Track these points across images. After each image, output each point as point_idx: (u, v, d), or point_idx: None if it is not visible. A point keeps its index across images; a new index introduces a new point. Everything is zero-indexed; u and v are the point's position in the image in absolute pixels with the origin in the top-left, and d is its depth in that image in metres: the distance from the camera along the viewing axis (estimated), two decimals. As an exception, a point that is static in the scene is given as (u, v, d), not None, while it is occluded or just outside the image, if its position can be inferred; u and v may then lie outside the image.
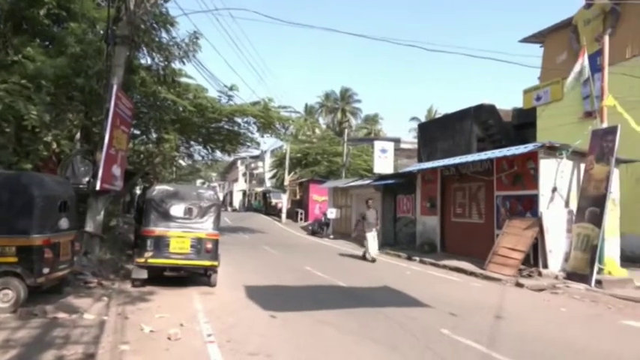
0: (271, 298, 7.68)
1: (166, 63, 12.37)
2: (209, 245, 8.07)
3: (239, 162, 60.10)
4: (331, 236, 21.77)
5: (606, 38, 11.58)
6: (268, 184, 48.83)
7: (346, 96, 54.89)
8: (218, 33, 34.31)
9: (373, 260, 13.09)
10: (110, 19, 9.50)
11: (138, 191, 20.37)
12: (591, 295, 8.49)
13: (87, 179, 10.06)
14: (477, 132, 20.32)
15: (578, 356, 4.89)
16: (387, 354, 4.83)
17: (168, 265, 8.08)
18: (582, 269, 9.63)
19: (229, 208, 56.62)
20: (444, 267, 11.89)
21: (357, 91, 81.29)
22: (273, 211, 36.92)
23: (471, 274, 10.83)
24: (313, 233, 23.18)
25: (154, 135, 15.83)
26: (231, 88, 15.96)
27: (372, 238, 13.39)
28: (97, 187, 8.74)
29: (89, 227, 9.26)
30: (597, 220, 9.68)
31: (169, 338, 5.08)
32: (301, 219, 31.83)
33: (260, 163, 55.33)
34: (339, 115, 53.46)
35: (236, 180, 64.03)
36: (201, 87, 15.76)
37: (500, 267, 10.68)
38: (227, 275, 9.22)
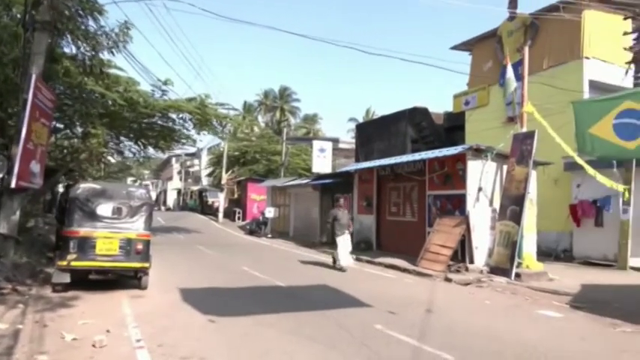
0: (206, 300, 7.48)
1: (94, 53, 11.58)
2: (139, 246, 7.69)
3: (174, 159, 57.97)
4: (269, 235, 21.64)
5: (526, 49, 12.51)
6: (205, 182, 47.56)
7: (285, 95, 54.86)
8: (152, 25, 32.86)
9: (343, 269, 11.10)
10: (29, 3, 8.73)
11: (61, 189, 18.96)
12: (512, 288, 9.14)
13: (0, 176, 9.18)
14: (412, 134, 21.14)
15: (500, 345, 5.23)
16: (325, 352, 4.87)
17: (93, 268, 7.59)
18: (504, 264, 10.34)
19: (163, 208, 54.45)
20: (380, 264, 12.25)
21: (297, 90, 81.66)
22: (209, 211, 36.00)
23: (405, 270, 11.24)
24: (251, 232, 22.92)
25: (80, 129, 14.83)
26: (165, 83, 15.33)
27: (344, 243, 11.51)
28: (12, 185, 8.00)
29: (3, 229, 8.45)
30: (517, 218, 10.44)
31: (94, 346, 4.77)
32: (239, 218, 31.33)
33: (196, 161, 53.75)
34: (278, 113, 53.31)
35: (170, 178, 61.67)
36: (133, 80, 15.00)
37: (431, 263, 11.19)
38: (159, 277, 8.84)
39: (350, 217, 12.14)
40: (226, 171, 34.08)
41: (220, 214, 32.31)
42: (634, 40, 13.26)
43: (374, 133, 23.07)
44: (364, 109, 54.59)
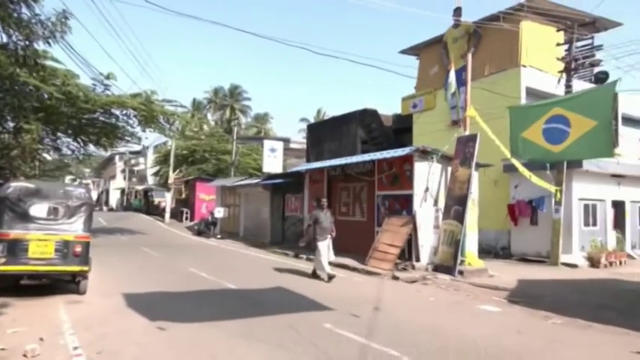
0: (151, 304, 7.20)
1: (27, 43, 10.83)
2: (78, 248, 7.27)
3: (117, 158, 55.40)
4: (218, 236, 21.22)
5: (469, 56, 13.10)
6: (151, 181, 45.83)
7: (236, 93, 53.99)
8: (94, 16, 31.08)
9: (330, 278, 9.68)
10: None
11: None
12: (455, 285, 9.53)
13: None
14: (362, 135, 21.50)
15: (443, 340, 5.43)
16: (273, 353, 4.84)
17: (26, 273, 7.10)
18: (448, 261, 10.76)
19: (105, 208, 51.88)
20: (330, 264, 12.30)
21: (247, 89, 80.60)
22: (155, 211, 34.69)
23: (354, 269, 11.41)
24: (199, 233, 22.36)
25: (11, 124, 13.81)
26: (107, 77, 14.62)
27: (327, 249, 10.00)
28: None
29: None
30: (460, 218, 10.90)
31: (25, 355, 4.46)
32: (187, 218, 30.47)
33: (141, 160, 51.66)
34: (228, 112, 52.32)
35: (113, 177, 58.84)
36: (72, 73, 14.19)
37: (379, 262, 11.43)
38: (100, 281, 8.42)
39: (332, 219, 10.54)
40: (174, 170, 33.03)
41: (167, 215, 31.25)
42: (566, 51, 14.26)
43: (325, 134, 23.25)
44: (315, 109, 54.94)
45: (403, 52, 22.05)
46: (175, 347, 5.01)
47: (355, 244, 13.47)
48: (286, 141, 36.14)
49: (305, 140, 29.78)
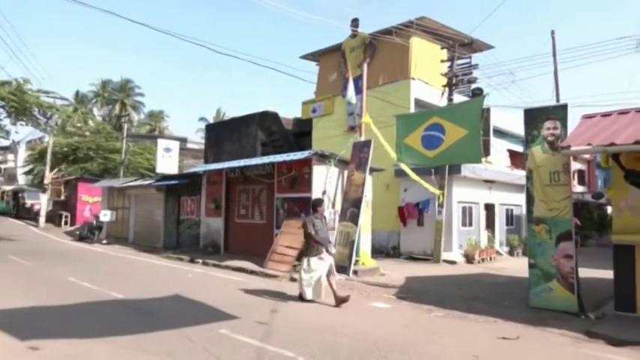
0: (20, 320, 6.33)
1: None
2: None
3: (-21, 153, 48.18)
4: (104, 241, 19.51)
5: (365, 66, 13.80)
6: (22, 181, 40.61)
7: (127, 87, 50.19)
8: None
9: (305, 299, 7.79)
10: None
11: None
12: (349, 284, 9.92)
13: None
14: (262, 137, 21.40)
15: (337, 338, 5.62)
16: (162, 364, 4.57)
17: None
18: (343, 262, 11.16)
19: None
20: (227, 267, 12.07)
21: (140, 84, 75.44)
22: (27, 214, 30.72)
23: (252, 272, 11.29)
24: (82, 239, 20.33)
25: None
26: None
27: (320, 267, 7.76)
28: None
29: None
30: (355, 219, 11.39)
31: None
32: (66, 223, 27.54)
33: (10, 157, 45.57)
34: (118, 107, 48.43)
35: (-26, 176, 51.00)
36: None
37: (278, 264, 11.47)
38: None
39: (328, 227, 8.68)
40: (51, 169, 29.61)
41: (42, 218, 27.86)
42: (448, 67, 15.74)
43: (224, 135, 22.72)
44: (215, 109, 53.28)
45: (304, 57, 22.50)
46: (48, 367, 4.47)
47: (254, 247, 13.36)
48: (183, 141, 34.64)
49: (203, 140, 28.79)
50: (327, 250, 7.91)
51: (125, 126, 33.04)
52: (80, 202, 27.87)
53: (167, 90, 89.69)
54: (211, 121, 45.43)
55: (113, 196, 22.17)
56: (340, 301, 7.51)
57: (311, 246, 7.92)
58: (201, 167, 17.36)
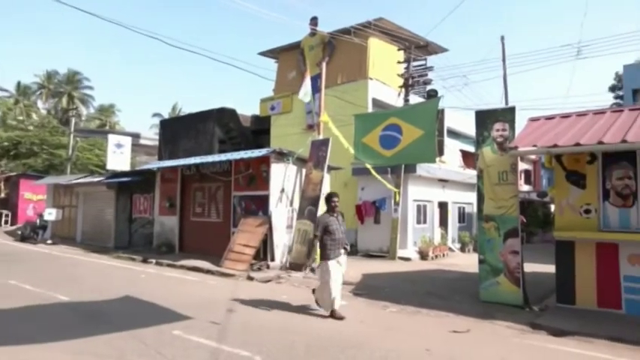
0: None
1: None
2: None
3: None
4: (49, 241, 18.49)
5: (324, 65, 13.86)
6: (-44, 178, 37.70)
7: (75, 80, 47.77)
8: None
9: (339, 318, 6.60)
10: None
11: None
12: (307, 282, 9.94)
13: None
14: (219, 134, 21.06)
15: (293, 336, 5.62)
16: (112, 368, 4.40)
17: None
18: (301, 260, 11.18)
19: None
20: (182, 267, 11.78)
21: (90, 76, 71.89)
22: (-40, 214, 28.66)
23: (208, 272, 11.08)
24: (24, 239, 19.17)
25: None
26: None
27: (339, 271, 6.91)
28: None
29: None
30: (314, 218, 11.41)
31: None
32: (7, 222, 25.93)
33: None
34: (64, 100, 45.98)
35: None
36: None
37: (234, 263, 11.32)
38: None
39: (345, 227, 7.36)
40: (-10, 164, 27.78)
41: (-21, 218, 26.13)
42: (405, 68, 16.09)
43: (180, 131, 22.15)
44: (170, 104, 51.73)
45: (262, 54, 22.30)
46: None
47: (210, 246, 13.12)
48: (136, 136, 33.42)
49: (157, 137, 27.91)
50: (345, 250, 7.07)
51: (73, 120, 31.44)
52: (22, 199, 26.33)
53: (119, 84, 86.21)
54: (166, 116, 44.15)
55: (59, 193, 21.07)
56: (336, 315, 6.65)
57: (328, 247, 6.84)
58: (155, 164, 16.85)
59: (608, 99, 30.35)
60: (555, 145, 6.71)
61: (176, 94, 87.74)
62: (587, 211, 7.23)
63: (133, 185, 16.68)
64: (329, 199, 7.29)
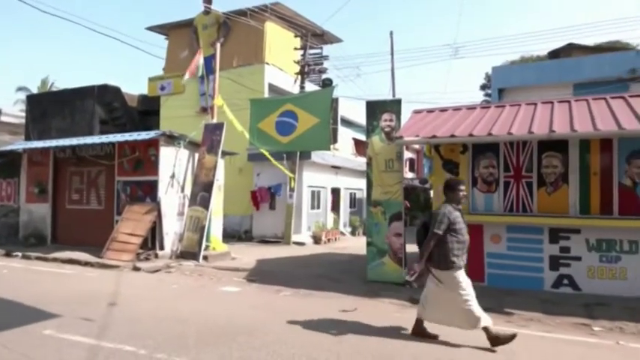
0: None
1: None
2: None
3: None
4: None
5: (218, 46, 13.36)
6: None
7: None
8: None
9: (505, 338, 4.65)
10: None
11: None
12: (199, 270, 9.65)
13: None
14: (101, 113, 19.29)
15: (183, 326, 5.41)
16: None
17: None
18: (193, 248, 10.80)
19: None
20: (55, 260, 10.63)
21: None
22: None
23: (87, 264, 10.17)
24: None
25: None
26: None
27: (470, 284, 4.91)
28: None
29: None
30: (206, 204, 11.08)
31: None
32: None
33: None
34: None
35: None
36: None
37: (118, 253, 10.53)
38: None
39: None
40: None
41: None
42: (301, 55, 16.23)
43: (52, 108, 19.76)
44: (40, 78, 45.75)
45: (150, 29, 20.76)
46: None
47: (90, 236, 12.02)
48: (-4, 112, 28.96)
49: (24, 114, 24.55)
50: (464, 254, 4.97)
51: None
52: None
53: (-26, 50, 73.51)
54: (35, 91, 38.95)
55: None
56: (498, 341, 4.66)
57: (454, 253, 4.84)
58: (20, 144, 14.86)
59: (479, 96, 34.08)
60: (434, 136, 7.33)
61: (48, 68, 77.52)
62: (459, 196, 8.05)
63: (-8, 168, 14.51)
64: (455, 186, 5.05)
